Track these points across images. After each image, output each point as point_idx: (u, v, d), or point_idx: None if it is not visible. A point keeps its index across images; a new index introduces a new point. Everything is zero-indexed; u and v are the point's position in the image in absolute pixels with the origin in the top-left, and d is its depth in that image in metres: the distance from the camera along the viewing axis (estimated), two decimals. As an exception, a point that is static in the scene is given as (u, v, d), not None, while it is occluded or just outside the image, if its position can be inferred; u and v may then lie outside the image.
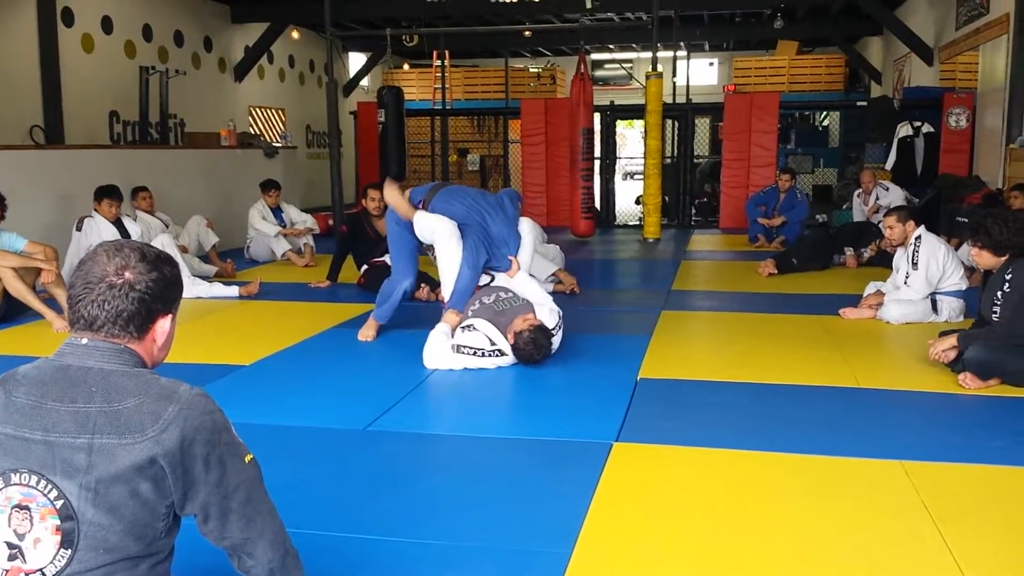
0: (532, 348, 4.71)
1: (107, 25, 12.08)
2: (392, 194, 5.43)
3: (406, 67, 20.19)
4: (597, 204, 12.87)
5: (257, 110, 16.28)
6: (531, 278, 5.39)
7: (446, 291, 5.26)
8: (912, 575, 2.52)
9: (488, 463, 3.49)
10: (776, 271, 8.10)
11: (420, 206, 5.35)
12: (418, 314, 6.05)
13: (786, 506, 3.00)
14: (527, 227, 8.20)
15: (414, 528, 2.82)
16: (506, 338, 4.80)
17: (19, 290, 5.97)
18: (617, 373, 4.73)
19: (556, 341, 4.95)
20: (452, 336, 4.91)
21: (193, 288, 7.05)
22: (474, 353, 4.77)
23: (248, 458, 1.80)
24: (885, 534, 2.76)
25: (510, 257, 5.30)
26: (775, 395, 4.35)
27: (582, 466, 3.35)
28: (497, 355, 4.80)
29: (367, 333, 5.56)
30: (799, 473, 3.31)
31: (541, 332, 4.76)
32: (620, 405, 4.13)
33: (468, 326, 4.90)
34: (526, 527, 2.82)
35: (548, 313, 4.97)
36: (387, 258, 6.95)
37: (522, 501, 3.04)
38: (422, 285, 6.56)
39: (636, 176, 25.13)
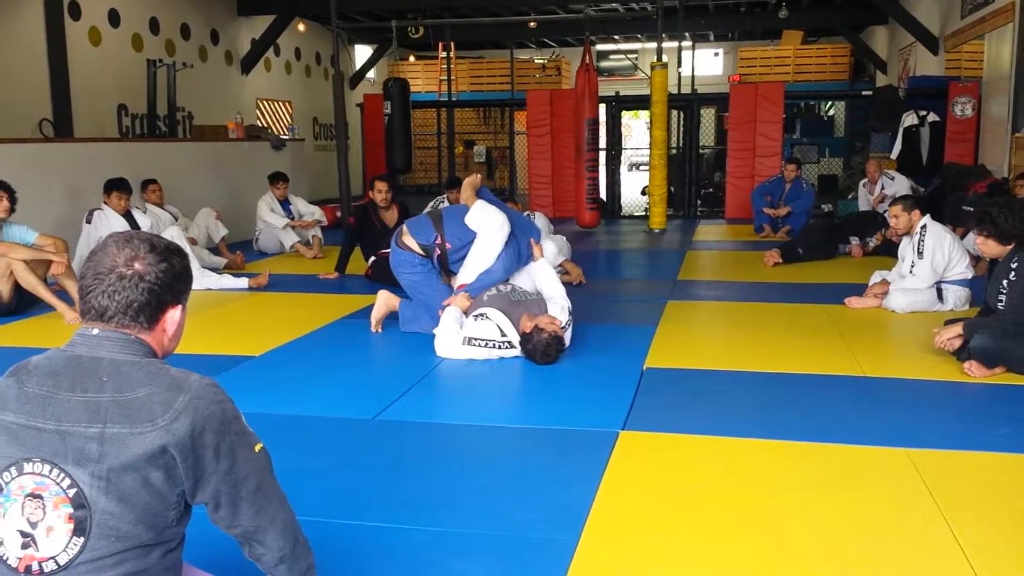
0: (542, 352, 4.67)
1: (114, 18, 12.10)
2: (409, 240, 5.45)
3: (412, 59, 20.16)
4: (603, 195, 12.87)
5: (264, 103, 16.29)
6: (549, 267, 5.39)
7: (464, 275, 5.22)
8: (918, 562, 2.53)
9: (496, 452, 3.52)
10: (782, 261, 8.11)
11: (436, 240, 5.35)
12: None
13: (791, 494, 3.02)
14: (541, 221, 8.25)
15: (423, 516, 2.84)
16: (517, 330, 4.80)
17: (30, 282, 6.00)
18: (623, 362, 4.74)
19: (566, 338, 4.94)
20: (462, 324, 4.92)
21: (203, 280, 7.07)
22: (485, 345, 4.77)
23: (258, 447, 1.82)
24: (891, 521, 2.78)
25: (532, 241, 5.32)
26: (780, 384, 4.36)
27: (589, 454, 3.37)
28: (507, 347, 4.80)
29: (377, 327, 5.56)
30: (804, 461, 3.32)
31: (557, 342, 4.72)
32: (626, 394, 4.15)
33: (481, 315, 4.88)
34: (533, 515, 2.84)
35: (560, 310, 4.97)
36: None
37: (529, 489, 3.06)
38: None
39: (642, 167, 25.05)
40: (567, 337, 4.93)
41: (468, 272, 5.21)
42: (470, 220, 5.27)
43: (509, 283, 5.21)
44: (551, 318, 4.82)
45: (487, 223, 5.21)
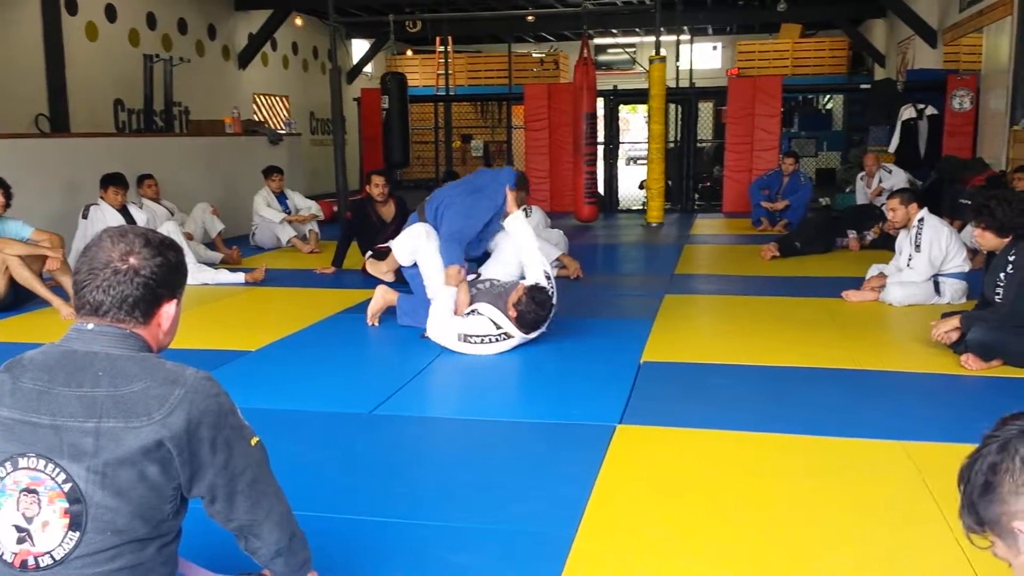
0: (535, 306, 4.73)
1: (111, 13, 12.06)
2: (373, 267, 5.48)
3: (409, 53, 20.13)
4: (600, 189, 12.86)
5: (261, 97, 16.25)
6: (523, 223, 5.29)
7: (432, 290, 5.20)
8: (914, 555, 2.54)
9: (493, 446, 3.52)
10: (779, 254, 8.11)
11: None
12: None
13: (788, 487, 3.02)
14: (538, 215, 8.20)
15: (420, 510, 2.84)
16: (508, 316, 4.81)
17: (25, 278, 5.99)
18: (621, 356, 4.74)
19: (553, 298, 4.98)
20: (454, 309, 4.93)
21: (199, 274, 7.07)
22: (482, 340, 4.78)
23: (254, 440, 1.82)
24: (887, 514, 2.78)
25: (507, 188, 5.26)
26: (778, 377, 4.36)
27: (586, 448, 3.37)
28: (504, 338, 4.81)
29: (374, 321, 5.54)
30: (801, 454, 3.32)
31: (536, 290, 4.78)
32: (623, 388, 4.14)
33: (471, 311, 4.90)
34: (530, 508, 2.84)
35: (537, 278, 5.01)
36: (392, 244, 6.95)
37: (526, 483, 3.06)
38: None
39: (639, 161, 25.06)
40: (553, 297, 4.97)
41: (433, 288, 5.20)
42: (402, 259, 5.39)
43: (488, 280, 5.20)
44: (514, 290, 4.86)
45: (416, 248, 5.27)
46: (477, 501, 2.92)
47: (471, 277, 5.26)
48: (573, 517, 2.76)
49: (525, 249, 5.18)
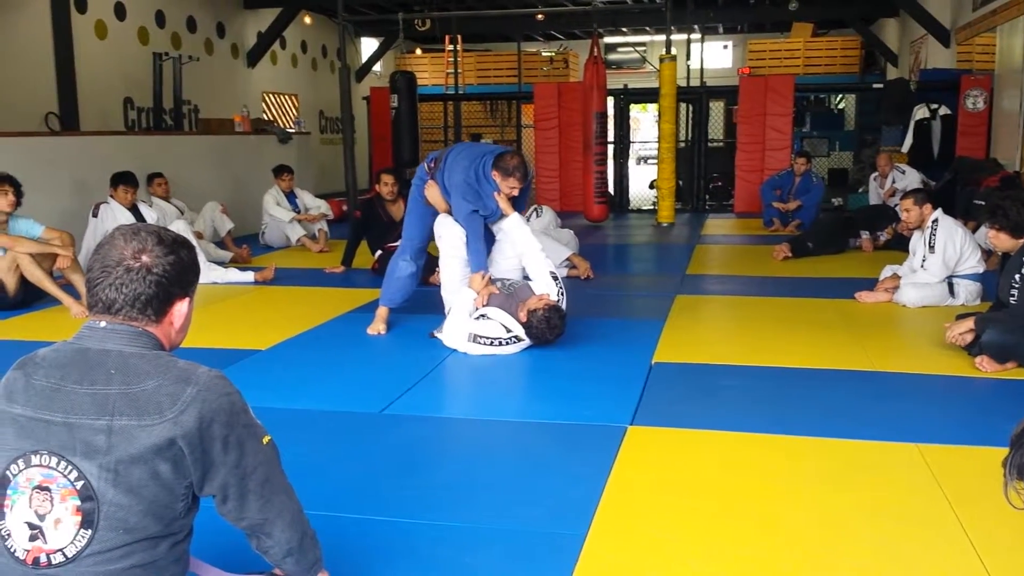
0: (546, 327, 4.73)
1: (120, 11, 12.08)
2: (432, 192, 5.35)
3: (418, 52, 20.13)
4: (611, 189, 12.84)
5: (270, 96, 16.26)
6: (521, 224, 5.21)
7: (446, 292, 5.27)
8: (928, 558, 2.51)
9: (503, 446, 3.51)
10: (791, 255, 8.08)
11: (432, 163, 5.28)
12: (431, 299, 6.01)
13: (801, 489, 3.00)
14: (548, 215, 8.15)
15: (430, 510, 2.83)
16: (517, 319, 4.80)
17: (36, 276, 6.00)
18: (632, 357, 4.72)
19: (563, 305, 4.98)
20: (472, 311, 4.92)
21: (209, 273, 7.07)
22: (491, 343, 4.78)
23: (266, 439, 1.82)
24: (901, 517, 2.75)
25: (495, 194, 5.07)
26: (790, 379, 4.33)
27: (597, 449, 3.36)
28: (514, 342, 4.80)
29: (377, 327, 5.39)
30: (814, 456, 3.30)
31: (555, 312, 4.77)
32: (635, 389, 4.13)
33: (482, 315, 4.89)
34: (541, 509, 2.83)
35: (545, 286, 4.98)
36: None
37: (537, 484, 3.04)
38: (436, 269, 6.15)
39: (650, 160, 25.03)
40: (563, 304, 4.97)
41: (445, 288, 5.29)
42: (435, 227, 5.38)
43: (497, 280, 5.18)
44: (537, 296, 4.86)
45: (441, 244, 5.32)
46: (487, 501, 2.90)
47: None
48: (584, 518, 2.75)
49: (528, 255, 5.15)
